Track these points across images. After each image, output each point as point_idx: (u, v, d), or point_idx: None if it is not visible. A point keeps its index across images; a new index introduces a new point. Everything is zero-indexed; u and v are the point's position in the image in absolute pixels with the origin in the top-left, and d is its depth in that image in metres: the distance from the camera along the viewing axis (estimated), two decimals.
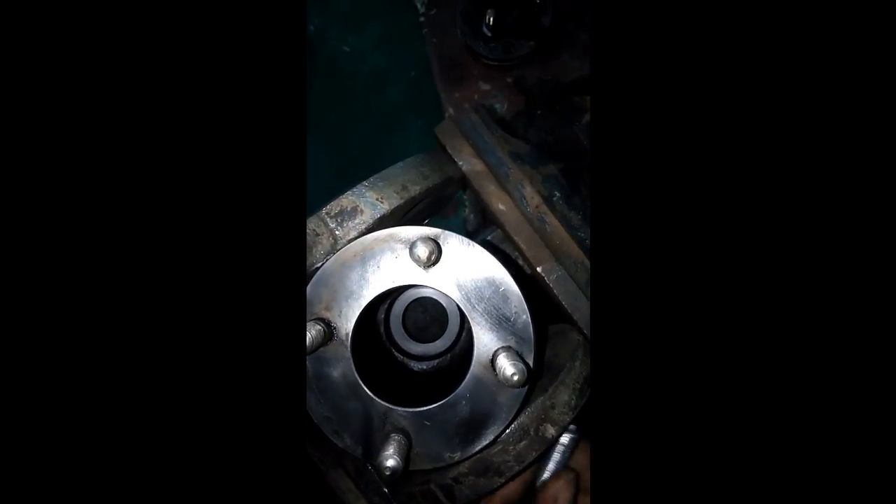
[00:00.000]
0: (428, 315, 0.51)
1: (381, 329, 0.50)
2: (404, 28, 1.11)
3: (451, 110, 0.85)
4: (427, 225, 0.60)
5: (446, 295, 0.38)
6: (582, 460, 0.47)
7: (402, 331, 0.50)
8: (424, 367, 0.50)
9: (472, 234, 0.59)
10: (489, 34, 0.82)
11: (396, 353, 0.50)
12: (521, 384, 0.35)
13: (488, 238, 0.56)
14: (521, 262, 0.53)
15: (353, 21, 1.34)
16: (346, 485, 0.45)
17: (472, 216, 0.79)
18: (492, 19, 0.80)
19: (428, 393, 0.43)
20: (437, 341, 0.50)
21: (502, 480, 0.39)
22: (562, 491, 0.44)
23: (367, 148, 1.35)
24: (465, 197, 0.80)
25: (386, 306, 0.50)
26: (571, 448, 0.46)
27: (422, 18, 0.88)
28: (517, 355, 0.37)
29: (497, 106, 0.86)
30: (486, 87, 0.85)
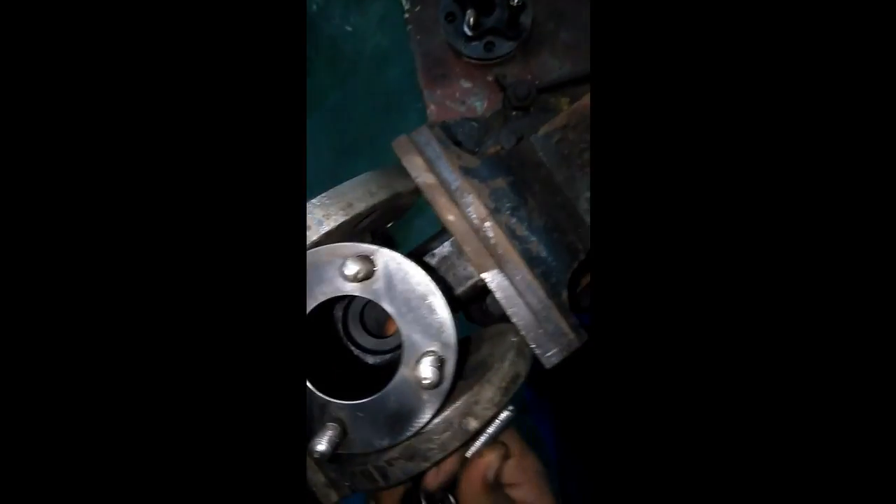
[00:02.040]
0: (384, 311, 0.57)
1: (339, 325, 0.56)
2: (405, 9, 1.12)
3: (432, 107, 0.88)
4: (389, 228, 0.65)
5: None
6: (511, 435, 0.53)
7: (359, 327, 0.56)
8: (378, 360, 0.56)
9: (439, 232, 0.64)
10: (470, 33, 0.85)
11: (353, 347, 0.56)
12: (433, 387, 0.40)
13: (451, 239, 0.61)
14: (474, 271, 0.58)
15: (355, 0, 1.35)
16: (318, 478, 0.52)
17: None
18: (472, 19, 0.83)
19: (373, 383, 0.49)
20: (390, 338, 0.56)
21: (428, 465, 0.45)
22: (492, 460, 0.50)
23: (367, 128, 1.39)
24: None
25: (344, 304, 0.55)
26: (505, 424, 0.51)
27: (406, 15, 0.90)
28: (439, 360, 0.42)
29: (478, 103, 0.89)
30: (467, 84, 0.89)
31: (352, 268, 0.41)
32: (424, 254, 0.61)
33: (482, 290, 0.62)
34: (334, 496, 0.51)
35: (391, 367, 0.56)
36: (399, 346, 0.56)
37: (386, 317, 0.56)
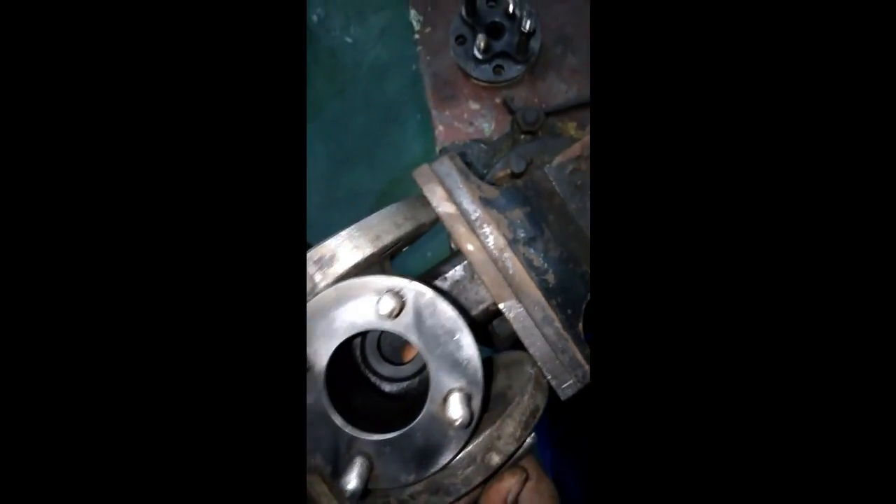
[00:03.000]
0: (401, 339, 0.57)
1: (357, 352, 0.56)
2: (407, 21, 1.13)
3: (440, 128, 0.89)
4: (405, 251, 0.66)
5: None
6: (529, 460, 0.54)
7: (377, 354, 0.56)
8: (395, 388, 0.56)
9: (453, 254, 0.64)
10: (480, 56, 0.86)
11: (370, 374, 0.56)
12: (464, 427, 0.41)
13: (463, 263, 0.61)
14: (486, 296, 0.59)
15: (356, 12, 1.35)
16: (322, 489, 0.51)
17: (453, 244, 0.85)
18: (482, 43, 0.84)
19: (396, 414, 0.49)
20: (407, 365, 0.56)
21: (451, 500, 0.45)
22: (513, 484, 0.51)
23: (365, 140, 1.39)
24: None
25: (363, 333, 0.56)
26: (525, 451, 0.52)
27: (416, 36, 0.91)
28: (466, 398, 0.43)
29: (486, 125, 0.90)
30: (475, 106, 0.89)
31: (387, 304, 0.41)
32: (436, 277, 0.61)
33: (493, 314, 0.63)
34: None
35: (408, 395, 0.56)
36: (416, 374, 0.57)
37: (402, 344, 0.57)
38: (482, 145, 0.86)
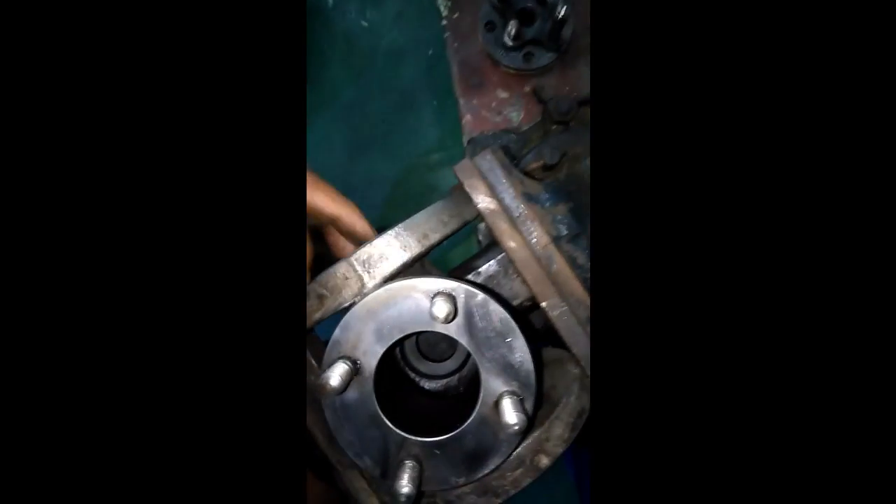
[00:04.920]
0: (440, 336, 0.56)
1: (397, 350, 0.55)
2: (424, 4, 1.10)
3: (468, 116, 0.87)
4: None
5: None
6: None
7: (416, 352, 0.55)
8: (435, 385, 0.55)
9: (484, 249, 0.63)
10: (510, 43, 0.84)
11: (410, 372, 0.55)
12: (519, 433, 0.40)
13: (498, 257, 0.60)
14: (524, 287, 0.58)
15: None
16: (361, 484, 0.51)
17: (481, 235, 0.83)
18: (513, 30, 0.81)
19: (438, 412, 0.49)
20: (447, 362, 0.55)
21: (499, 501, 0.45)
22: None
23: (381, 126, 1.37)
24: (482, 223, 0.84)
25: None
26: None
27: (444, 22, 0.88)
28: (519, 402, 0.42)
29: (514, 114, 0.88)
30: (504, 94, 0.88)
31: (442, 308, 0.40)
32: (469, 272, 0.60)
33: (527, 309, 0.62)
34: None
35: (448, 393, 0.55)
36: (456, 371, 0.56)
37: (441, 341, 0.56)
38: (511, 135, 0.84)
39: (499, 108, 0.88)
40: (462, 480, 0.44)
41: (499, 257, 0.61)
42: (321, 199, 0.51)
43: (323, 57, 1.22)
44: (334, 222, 0.51)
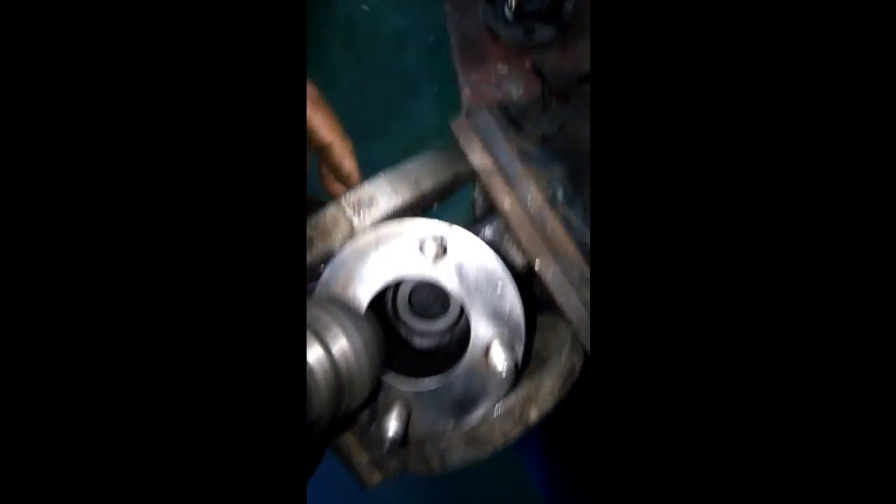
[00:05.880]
0: (433, 293, 0.55)
1: (389, 306, 0.54)
2: None
3: (467, 90, 0.87)
4: (437, 208, 0.64)
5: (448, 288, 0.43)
6: None
7: (408, 309, 0.54)
8: (426, 343, 0.55)
9: (478, 218, 0.63)
10: (511, 17, 0.83)
11: (401, 329, 0.55)
12: (508, 376, 0.40)
13: (493, 224, 0.60)
14: (519, 255, 0.57)
15: None
16: (350, 440, 0.51)
17: (479, 200, 0.83)
18: (514, 2, 0.81)
19: (430, 369, 0.48)
20: (439, 320, 0.55)
21: (487, 453, 0.44)
22: None
23: (381, 111, 1.36)
24: (478, 185, 0.84)
25: (394, 285, 0.54)
26: None
27: None
28: (509, 349, 0.41)
29: (514, 89, 0.88)
30: (503, 69, 0.87)
31: (430, 246, 0.40)
32: None
33: (527, 275, 0.62)
34: (377, 476, 0.50)
35: (440, 351, 0.55)
36: (449, 329, 0.55)
37: (434, 298, 0.55)
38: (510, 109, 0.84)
39: (498, 83, 0.87)
40: (451, 425, 0.43)
41: (495, 224, 0.61)
42: (319, 120, 0.49)
43: (323, 41, 1.22)
44: (324, 150, 0.49)
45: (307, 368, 0.33)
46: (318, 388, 0.33)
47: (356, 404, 0.38)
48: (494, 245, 0.62)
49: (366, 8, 1.26)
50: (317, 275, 0.44)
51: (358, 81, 1.33)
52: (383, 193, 0.44)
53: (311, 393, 0.33)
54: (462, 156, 0.53)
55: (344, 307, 0.39)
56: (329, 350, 0.34)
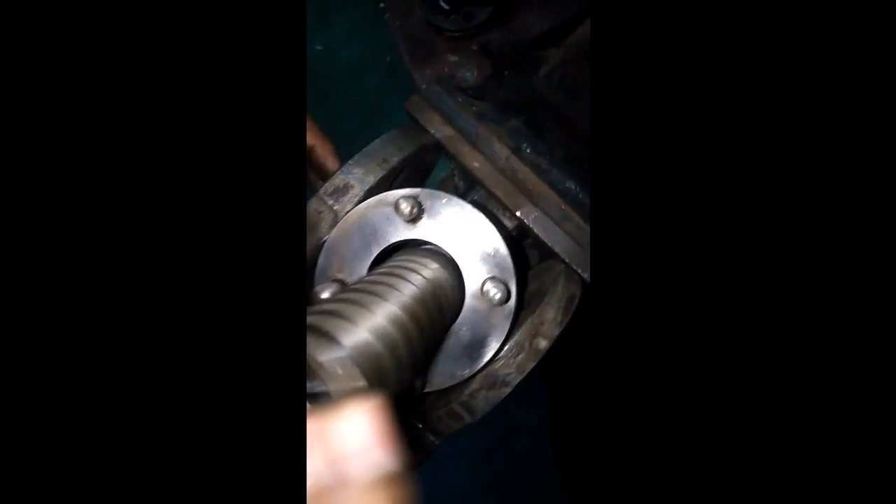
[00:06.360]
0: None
1: None
2: (371, 15, 1.14)
3: (424, 86, 0.90)
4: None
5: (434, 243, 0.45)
6: None
7: None
8: None
9: (461, 196, 0.65)
10: (447, 7, 0.87)
11: None
12: (504, 301, 0.42)
13: (475, 198, 0.63)
14: (507, 216, 0.60)
15: (320, 18, 1.38)
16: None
17: (459, 182, 0.86)
18: None
19: None
20: None
21: (509, 390, 0.46)
22: None
23: (354, 139, 1.40)
24: (451, 164, 0.86)
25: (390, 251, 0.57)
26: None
27: (382, 4, 0.93)
28: (502, 283, 0.44)
29: (468, 74, 0.91)
30: (453, 58, 0.91)
31: (405, 206, 0.43)
32: None
33: (519, 236, 0.64)
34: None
35: None
36: None
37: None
38: (469, 92, 0.87)
39: (452, 72, 0.91)
40: (468, 371, 0.45)
41: (475, 196, 0.64)
42: None
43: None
44: (308, 152, 0.52)
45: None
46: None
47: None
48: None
49: (319, 48, 1.32)
50: (312, 265, 0.47)
51: (326, 117, 1.38)
52: (355, 177, 0.48)
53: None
54: (422, 129, 0.57)
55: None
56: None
